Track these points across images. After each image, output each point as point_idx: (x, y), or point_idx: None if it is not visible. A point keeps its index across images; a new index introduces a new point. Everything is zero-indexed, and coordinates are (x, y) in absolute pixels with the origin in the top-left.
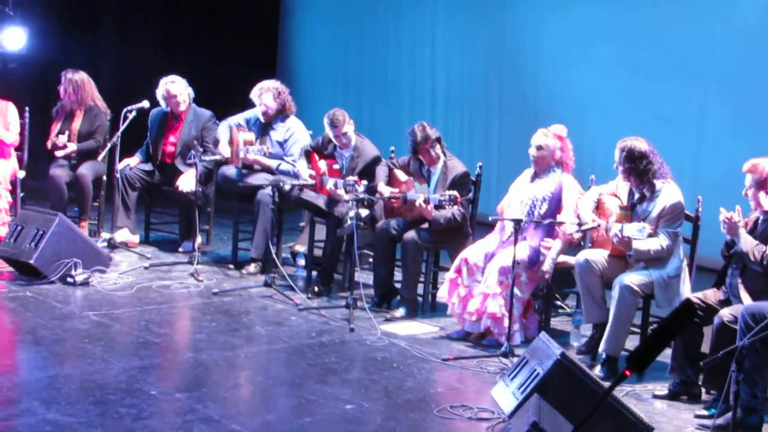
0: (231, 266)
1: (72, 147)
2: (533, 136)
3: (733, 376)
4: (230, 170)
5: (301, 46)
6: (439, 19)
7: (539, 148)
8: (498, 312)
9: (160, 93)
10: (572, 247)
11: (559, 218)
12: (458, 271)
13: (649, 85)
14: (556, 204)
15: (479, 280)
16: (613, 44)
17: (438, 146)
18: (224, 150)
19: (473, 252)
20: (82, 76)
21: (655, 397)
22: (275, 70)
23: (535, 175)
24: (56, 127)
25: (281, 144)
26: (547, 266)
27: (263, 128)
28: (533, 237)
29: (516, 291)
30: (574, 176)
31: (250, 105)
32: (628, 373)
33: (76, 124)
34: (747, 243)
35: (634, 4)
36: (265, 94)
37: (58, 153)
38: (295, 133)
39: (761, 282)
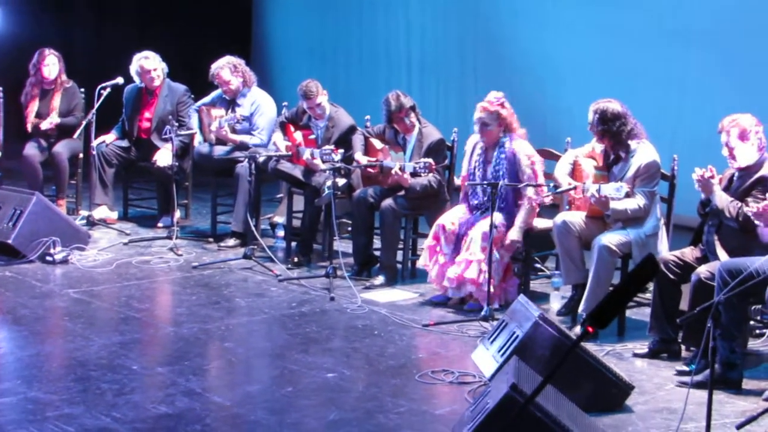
0: (210, 240)
1: (56, 119)
2: (479, 107)
3: (711, 332)
4: (205, 147)
5: (275, 17)
6: None
7: (483, 124)
8: (479, 277)
9: (133, 69)
10: (550, 209)
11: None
12: (436, 238)
13: (627, 46)
14: (513, 175)
15: (456, 246)
16: (590, 5)
17: (412, 114)
18: (198, 131)
19: (449, 219)
20: (58, 54)
21: (636, 355)
22: (250, 43)
23: (486, 152)
24: (33, 106)
25: (248, 118)
26: (515, 234)
27: (228, 106)
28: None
29: (496, 255)
30: (551, 140)
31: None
32: (590, 329)
33: (56, 102)
34: (722, 200)
35: None
36: (222, 71)
37: (43, 125)
38: (260, 105)
39: (737, 238)
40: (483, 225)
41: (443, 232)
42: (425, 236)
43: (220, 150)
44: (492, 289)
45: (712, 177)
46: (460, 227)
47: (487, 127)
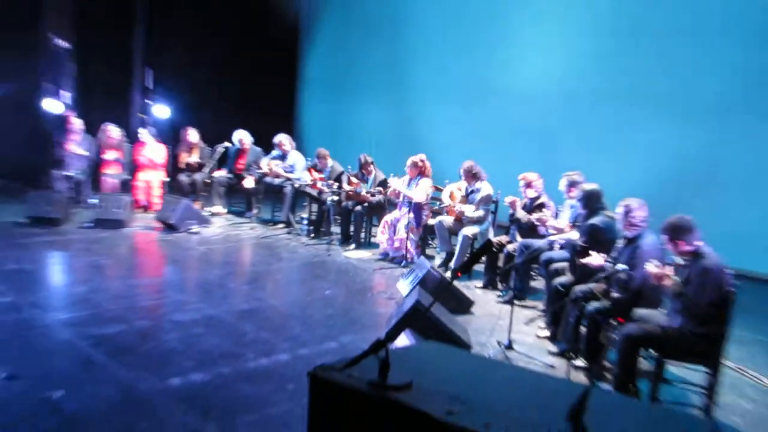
0: (273, 225)
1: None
2: (409, 159)
3: (513, 275)
4: (271, 179)
5: (306, 107)
6: None
7: (410, 166)
8: (407, 243)
9: (235, 137)
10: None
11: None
12: (384, 225)
13: (472, 112)
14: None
15: (394, 229)
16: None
17: (371, 165)
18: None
19: (390, 217)
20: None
21: (476, 288)
22: (292, 124)
23: (410, 181)
24: None
25: (292, 166)
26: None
27: (282, 159)
28: (413, 214)
29: (412, 236)
30: (435, 179)
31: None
32: (459, 274)
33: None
34: (522, 214)
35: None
36: (284, 140)
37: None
38: (297, 160)
39: (527, 232)
40: (404, 221)
41: (387, 223)
42: (377, 225)
43: (276, 181)
44: (408, 252)
45: (515, 202)
46: (394, 221)
47: (410, 168)
